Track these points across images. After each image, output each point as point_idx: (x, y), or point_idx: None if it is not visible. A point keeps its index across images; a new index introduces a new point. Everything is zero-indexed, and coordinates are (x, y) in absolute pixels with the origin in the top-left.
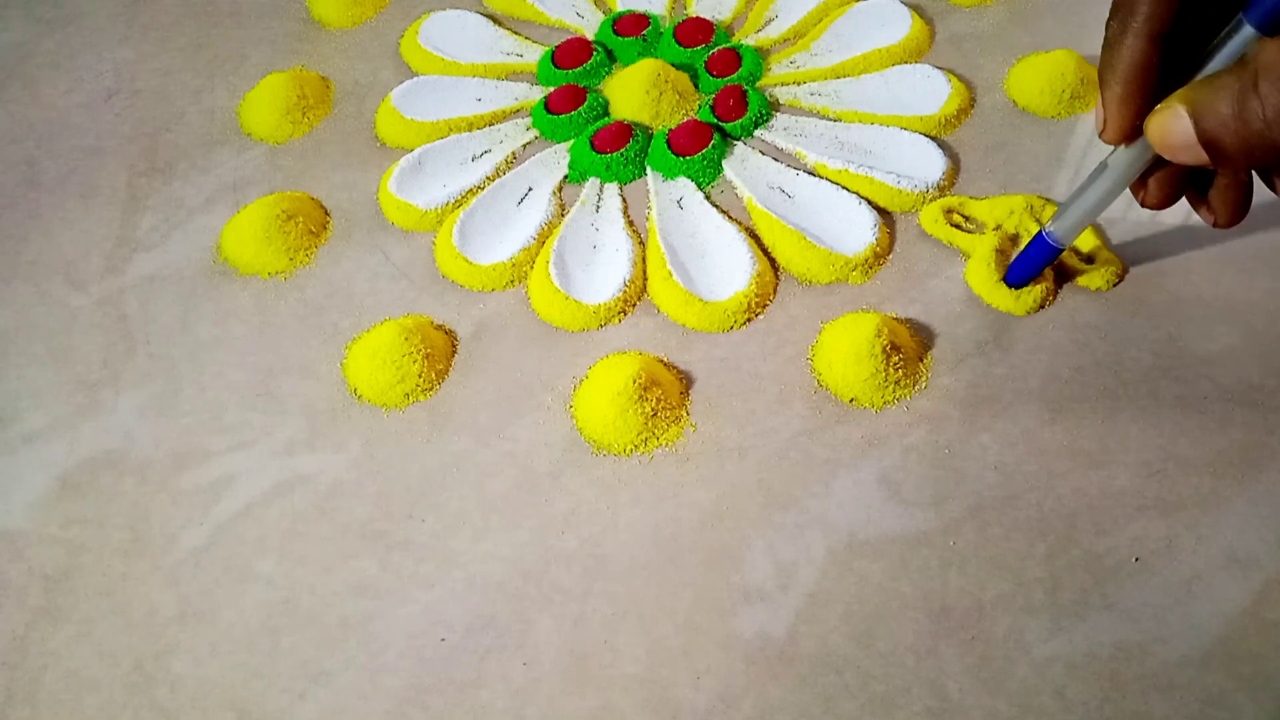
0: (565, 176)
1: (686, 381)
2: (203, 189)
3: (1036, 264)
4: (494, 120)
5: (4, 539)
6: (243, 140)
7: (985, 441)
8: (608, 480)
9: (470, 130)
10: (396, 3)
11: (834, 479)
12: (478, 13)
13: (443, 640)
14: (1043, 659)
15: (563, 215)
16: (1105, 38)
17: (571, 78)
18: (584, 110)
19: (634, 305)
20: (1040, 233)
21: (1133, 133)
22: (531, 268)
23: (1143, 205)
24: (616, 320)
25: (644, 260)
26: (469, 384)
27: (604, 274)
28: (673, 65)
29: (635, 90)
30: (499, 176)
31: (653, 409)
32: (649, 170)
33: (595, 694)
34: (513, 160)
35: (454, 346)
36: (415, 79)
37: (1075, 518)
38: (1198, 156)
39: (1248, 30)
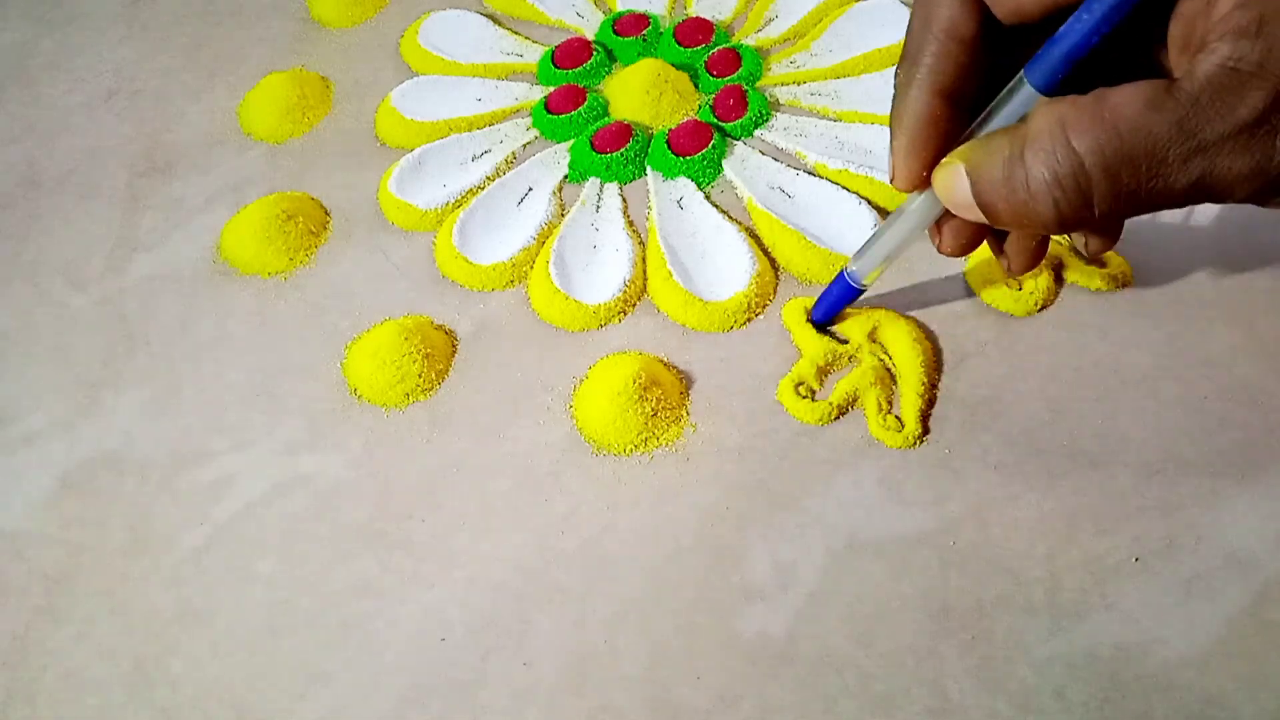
0: (565, 176)
1: (686, 381)
2: (203, 189)
3: (838, 302)
4: (494, 120)
5: (4, 539)
6: (243, 140)
7: (985, 441)
8: (608, 480)
9: (470, 130)
10: (396, 3)
11: (834, 479)
12: (478, 13)
13: (443, 640)
14: (1043, 659)
15: (563, 215)
16: (895, 84)
17: (571, 78)
18: (584, 110)
19: (634, 305)
20: (841, 271)
21: (922, 182)
22: (531, 268)
23: (939, 251)
24: (616, 320)
25: (644, 260)
26: (469, 384)
27: (604, 274)
28: (673, 65)
29: (635, 90)
30: (499, 176)
31: (653, 409)
32: (649, 170)
33: (595, 694)
34: (513, 160)
35: (454, 346)
36: (415, 79)
37: (1075, 518)
38: (979, 215)
39: (1029, 89)
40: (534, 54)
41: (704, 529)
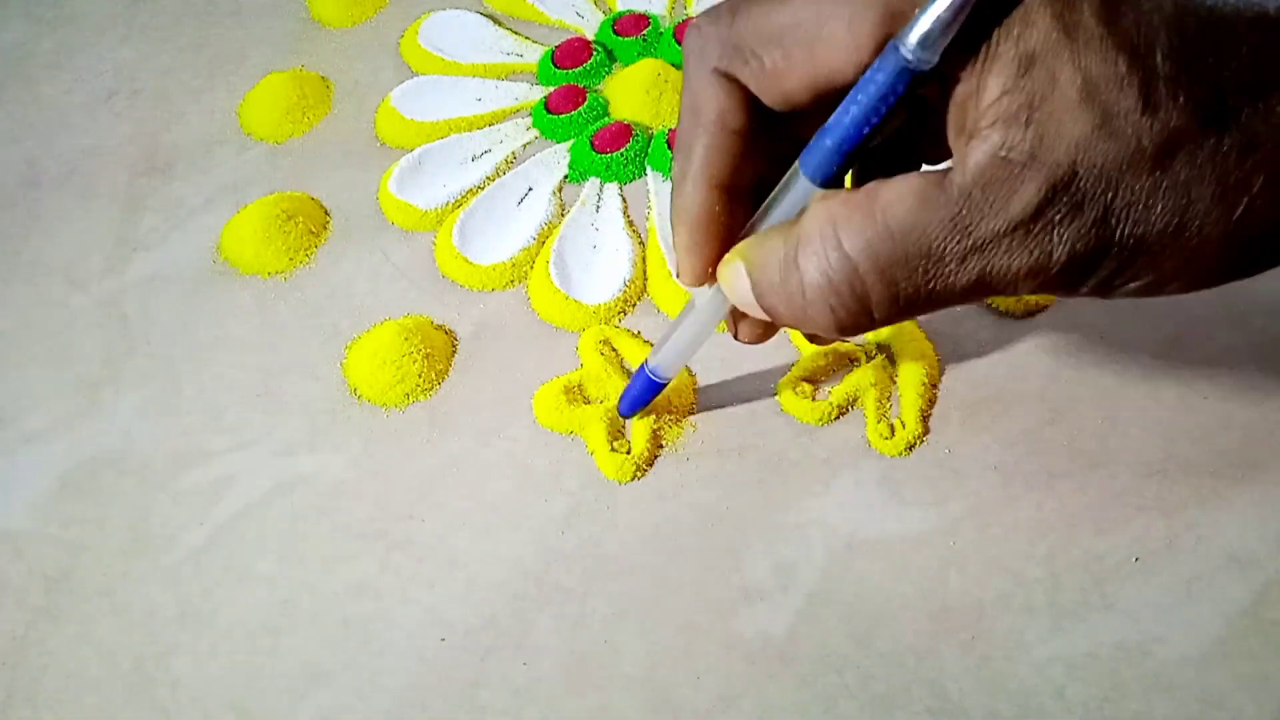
0: (565, 176)
1: (693, 381)
2: (203, 189)
3: (642, 396)
4: (494, 120)
5: (4, 539)
6: (243, 140)
7: (985, 441)
8: (608, 480)
9: (470, 130)
10: (396, 3)
11: (834, 479)
12: (478, 13)
13: (443, 640)
14: (1043, 659)
15: (563, 215)
16: (672, 176)
17: (571, 78)
18: (584, 110)
19: (634, 305)
20: (642, 366)
21: (708, 277)
22: (531, 268)
23: (736, 339)
24: (616, 320)
25: (644, 260)
26: (469, 384)
27: (604, 274)
28: (673, 65)
29: (635, 90)
30: (499, 176)
31: (652, 409)
32: (649, 170)
33: (595, 694)
34: (513, 160)
35: (454, 346)
36: (415, 79)
37: (1075, 518)
38: (764, 315)
39: (804, 180)
40: (534, 54)
41: (704, 529)
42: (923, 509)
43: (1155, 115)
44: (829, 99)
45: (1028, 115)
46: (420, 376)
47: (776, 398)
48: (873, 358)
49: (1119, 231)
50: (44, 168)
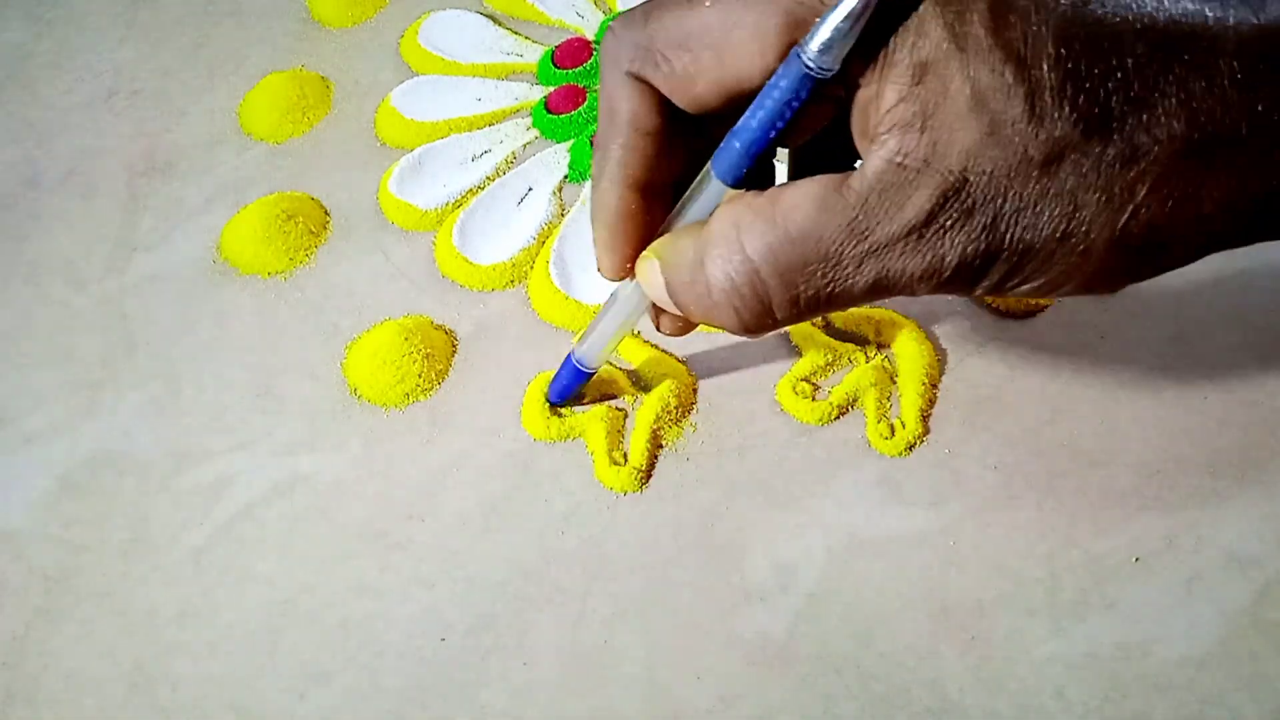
0: (565, 176)
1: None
2: (203, 189)
3: (569, 385)
4: (494, 120)
5: (4, 539)
6: (243, 140)
7: (985, 441)
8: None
9: (470, 130)
10: (396, 3)
11: (834, 479)
12: (478, 13)
13: (443, 640)
14: (1043, 659)
15: (563, 215)
16: (591, 175)
17: (571, 78)
18: (584, 110)
19: None
20: (569, 355)
21: (626, 271)
22: (531, 268)
23: (659, 331)
24: None
25: None
26: (469, 384)
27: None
28: None
29: None
30: (499, 176)
31: (586, 394)
32: None
33: (595, 694)
34: (513, 160)
35: (454, 346)
36: (415, 79)
37: (1075, 518)
38: (678, 310)
39: (716, 181)
40: (534, 54)
41: (704, 529)
42: (923, 509)
43: (1041, 124)
44: (739, 102)
45: (922, 123)
46: (420, 376)
47: (776, 398)
48: (872, 358)
49: (1008, 236)
50: (44, 168)
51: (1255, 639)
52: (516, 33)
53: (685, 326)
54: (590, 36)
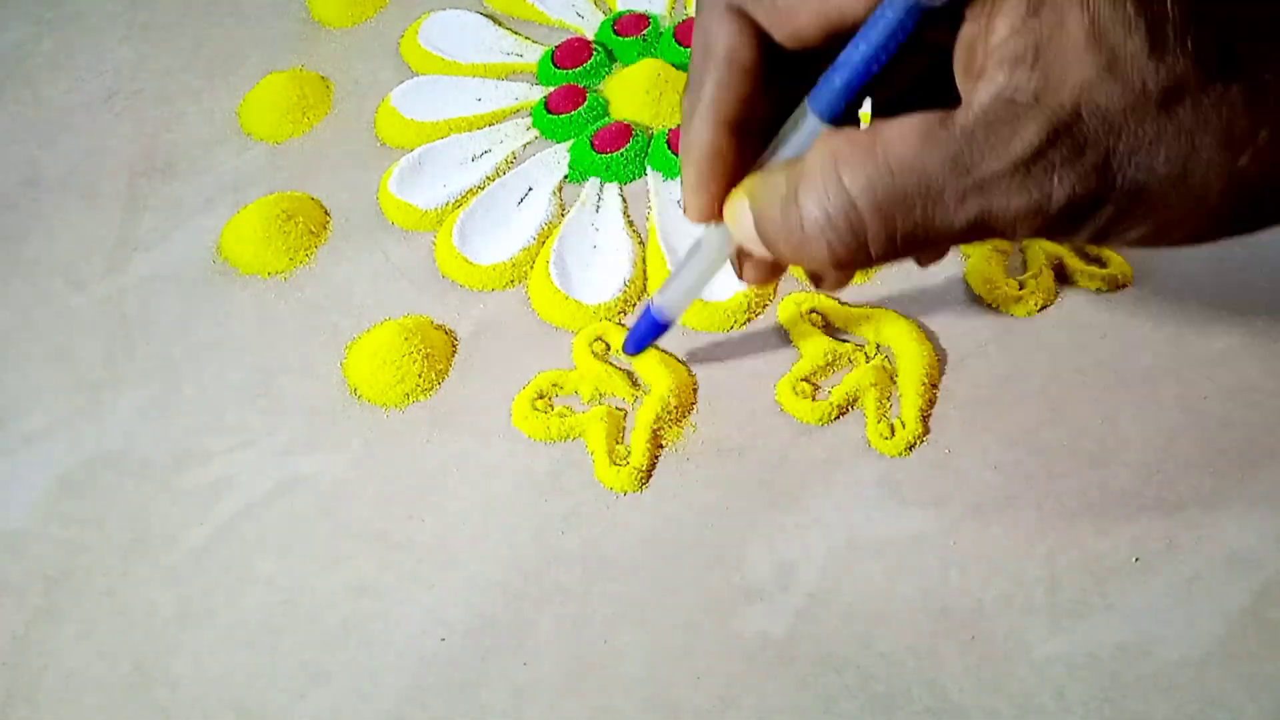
0: (565, 176)
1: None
2: (203, 189)
3: (647, 335)
4: (494, 120)
5: (4, 539)
6: (243, 140)
7: (985, 441)
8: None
9: (470, 130)
10: (396, 3)
11: (834, 479)
12: (478, 13)
13: (443, 640)
14: (1043, 659)
15: (563, 215)
16: (682, 112)
17: (571, 78)
18: (584, 110)
19: (634, 305)
20: (648, 305)
21: (715, 214)
22: (531, 268)
23: (740, 280)
24: (616, 320)
25: (644, 260)
26: (469, 384)
27: (604, 274)
28: (673, 65)
29: (635, 90)
30: (499, 176)
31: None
32: (649, 170)
33: (595, 694)
34: (513, 160)
35: (454, 346)
36: (415, 79)
37: (1075, 518)
38: (765, 251)
39: (813, 118)
40: (534, 54)
41: (704, 529)
42: (923, 509)
43: (1162, 60)
44: (840, 37)
45: (1034, 56)
46: (420, 376)
47: (776, 398)
48: (872, 358)
49: (1120, 176)
50: (44, 168)
51: (1255, 639)
52: (516, 33)
53: (769, 275)
54: (590, 36)
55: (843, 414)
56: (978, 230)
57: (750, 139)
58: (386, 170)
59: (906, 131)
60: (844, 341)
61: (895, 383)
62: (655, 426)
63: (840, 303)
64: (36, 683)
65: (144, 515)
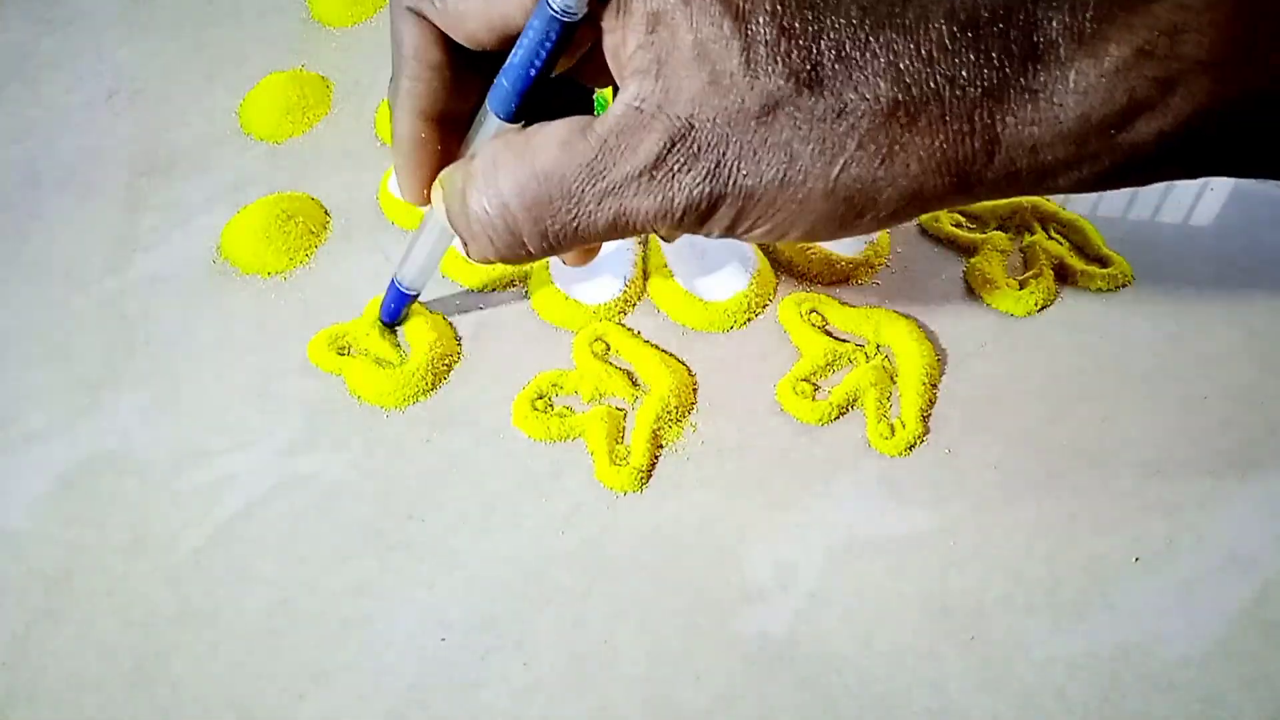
0: None
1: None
2: (203, 189)
3: (397, 306)
4: None
5: (4, 539)
6: (243, 140)
7: (985, 441)
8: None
9: None
10: None
11: (834, 479)
12: None
13: (443, 640)
14: (1043, 659)
15: None
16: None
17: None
18: None
19: (634, 305)
20: (393, 279)
21: (424, 198)
22: (531, 268)
23: (467, 258)
24: (617, 320)
25: (644, 260)
26: (469, 384)
27: (604, 274)
28: None
29: None
30: None
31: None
32: None
33: (595, 694)
34: None
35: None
36: None
37: (1075, 518)
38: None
39: (492, 115)
40: None
41: (704, 529)
42: (923, 509)
43: (756, 77)
44: (512, 40)
45: (656, 70)
46: (420, 376)
47: (776, 398)
48: (872, 358)
49: (732, 181)
50: (44, 167)
51: (1255, 639)
52: None
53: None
54: None
55: (843, 414)
56: (618, 229)
57: (455, 129)
58: (386, 170)
59: (552, 138)
60: (844, 341)
61: (895, 383)
62: (655, 426)
63: (840, 303)
64: (36, 683)
65: (144, 515)
